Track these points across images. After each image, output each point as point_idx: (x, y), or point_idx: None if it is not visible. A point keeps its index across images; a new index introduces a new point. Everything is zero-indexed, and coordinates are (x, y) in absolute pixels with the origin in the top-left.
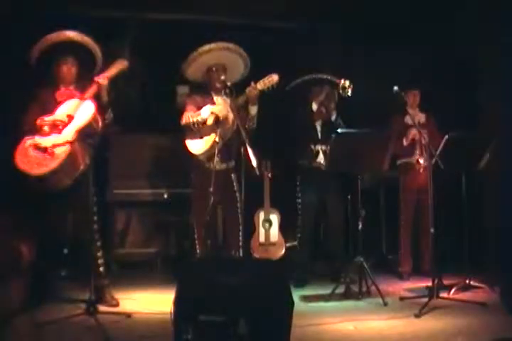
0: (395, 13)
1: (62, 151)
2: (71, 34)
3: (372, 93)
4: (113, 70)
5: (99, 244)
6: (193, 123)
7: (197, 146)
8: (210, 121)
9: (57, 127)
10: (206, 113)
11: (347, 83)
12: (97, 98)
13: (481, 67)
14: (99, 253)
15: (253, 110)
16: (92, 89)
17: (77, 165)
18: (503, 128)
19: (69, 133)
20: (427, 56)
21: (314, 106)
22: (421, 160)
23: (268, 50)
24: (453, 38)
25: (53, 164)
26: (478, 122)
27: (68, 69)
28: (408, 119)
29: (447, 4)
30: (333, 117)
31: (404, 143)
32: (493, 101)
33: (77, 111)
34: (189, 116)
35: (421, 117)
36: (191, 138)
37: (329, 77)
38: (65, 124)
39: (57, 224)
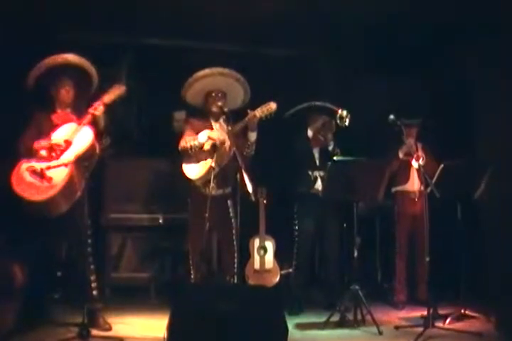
0: (393, 41)
1: (61, 179)
2: (69, 57)
3: (370, 121)
4: (111, 95)
5: (92, 267)
6: (190, 148)
7: (193, 171)
8: (207, 146)
9: (54, 152)
10: (203, 138)
11: (344, 113)
12: (93, 124)
13: (479, 96)
14: (93, 277)
15: (252, 136)
16: (88, 118)
17: (75, 191)
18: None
19: (67, 158)
20: (424, 84)
21: (310, 133)
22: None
23: (266, 76)
24: (451, 64)
25: (52, 192)
26: (474, 152)
27: (66, 92)
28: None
29: (446, 33)
30: (331, 147)
31: (400, 155)
32: (491, 130)
33: (75, 136)
34: (186, 141)
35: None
36: (188, 163)
37: (328, 105)
38: (63, 149)
39: (50, 247)
